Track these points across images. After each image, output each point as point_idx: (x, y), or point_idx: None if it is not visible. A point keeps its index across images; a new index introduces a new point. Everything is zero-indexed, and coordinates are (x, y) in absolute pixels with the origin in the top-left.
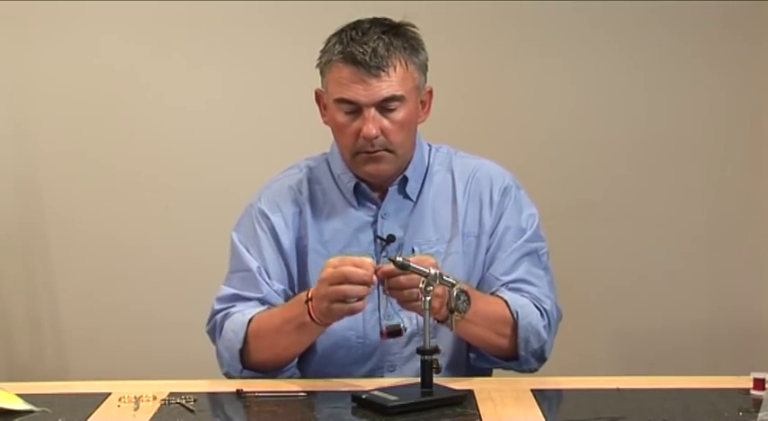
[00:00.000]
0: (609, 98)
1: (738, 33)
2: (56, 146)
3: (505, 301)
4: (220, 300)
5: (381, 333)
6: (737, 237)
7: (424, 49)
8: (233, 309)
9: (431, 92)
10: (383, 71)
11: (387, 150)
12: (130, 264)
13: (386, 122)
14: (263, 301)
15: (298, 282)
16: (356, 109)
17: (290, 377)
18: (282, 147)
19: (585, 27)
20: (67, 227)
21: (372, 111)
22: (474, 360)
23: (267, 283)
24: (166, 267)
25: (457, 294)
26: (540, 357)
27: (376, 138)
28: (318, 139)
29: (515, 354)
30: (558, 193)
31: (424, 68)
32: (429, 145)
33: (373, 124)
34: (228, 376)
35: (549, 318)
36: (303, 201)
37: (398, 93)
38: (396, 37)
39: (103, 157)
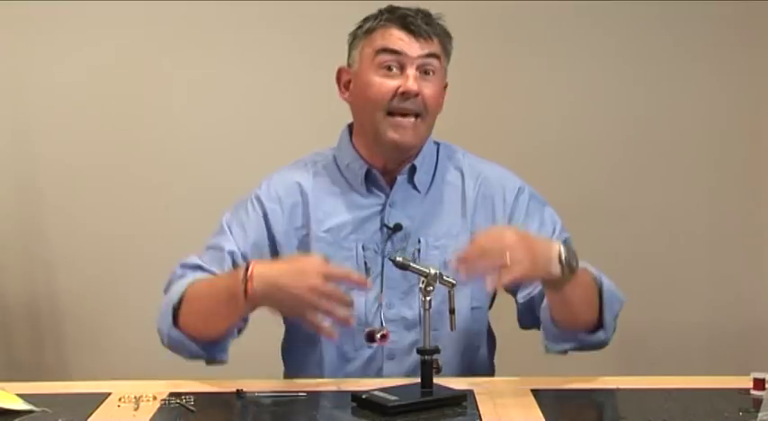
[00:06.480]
0: (608, 98)
1: (738, 33)
2: (56, 146)
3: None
4: (183, 265)
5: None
6: (737, 238)
7: (451, 42)
8: (188, 274)
9: (446, 87)
10: (429, 36)
11: (419, 116)
12: (131, 264)
13: (423, 84)
14: None
15: None
16: (396, 66)
17: (221, 360)
18: (284, 148)
19: (586, 27)
20: (67, 227)
21: (414, 70)
22: (554, 339)
23: (233, 265)
24: (167, 267)
25: (567, 249)
26: (614, 326)
27: (417, 95)
28: (322, 143)
29: (599, 324)
30: (558, 193)
31: (448, 58)
32: (435, 142)
33: (415, 81)
34: (161, 334)
35: None
36: (306, 192)
37: (439, 53)
38: (432, 21)
39: (103, 157)
